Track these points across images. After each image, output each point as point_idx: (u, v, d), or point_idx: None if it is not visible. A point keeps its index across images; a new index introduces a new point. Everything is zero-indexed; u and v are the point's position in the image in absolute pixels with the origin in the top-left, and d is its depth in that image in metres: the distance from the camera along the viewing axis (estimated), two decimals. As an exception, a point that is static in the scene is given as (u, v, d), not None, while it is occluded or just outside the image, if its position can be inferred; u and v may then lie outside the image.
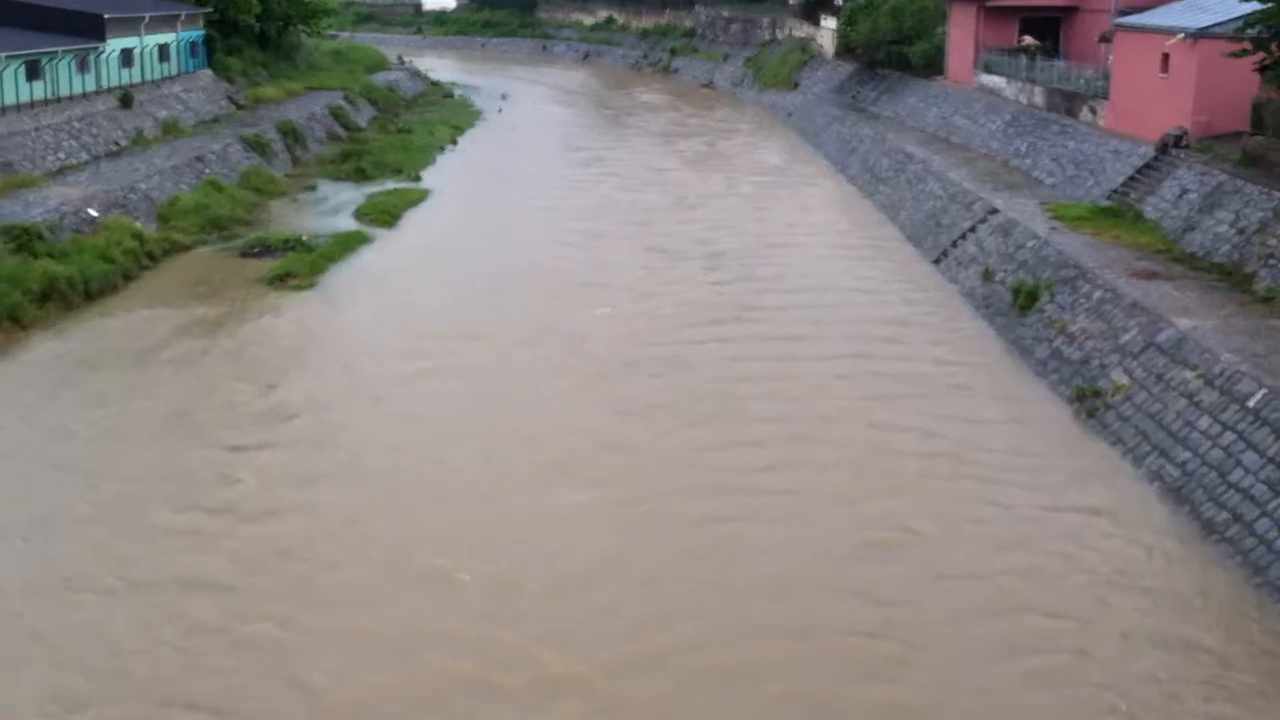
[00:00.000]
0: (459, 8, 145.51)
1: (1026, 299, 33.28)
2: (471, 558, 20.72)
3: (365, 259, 41.73)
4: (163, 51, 60.91)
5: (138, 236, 39.49)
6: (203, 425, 26.34)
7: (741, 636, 18.61)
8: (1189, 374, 25.38)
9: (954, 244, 41.13)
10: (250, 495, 23.18)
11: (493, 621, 18.84)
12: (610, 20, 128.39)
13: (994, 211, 40.52)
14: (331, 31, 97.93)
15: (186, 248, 41.41)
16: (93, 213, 39.62)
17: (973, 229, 40.69)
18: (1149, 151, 39.88)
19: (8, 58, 45.80)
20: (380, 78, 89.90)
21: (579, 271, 39.87)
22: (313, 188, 53.98)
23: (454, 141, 69.75)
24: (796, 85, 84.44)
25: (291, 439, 25.89)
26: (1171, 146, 39.02)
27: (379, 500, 23.01)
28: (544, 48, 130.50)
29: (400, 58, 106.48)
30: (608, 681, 17.42)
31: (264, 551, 21.03)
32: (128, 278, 37.23)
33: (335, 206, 50.20)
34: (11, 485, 23.38)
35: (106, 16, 54.22)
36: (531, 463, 24.71)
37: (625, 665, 17.86)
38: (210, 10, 66.52)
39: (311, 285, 37.64)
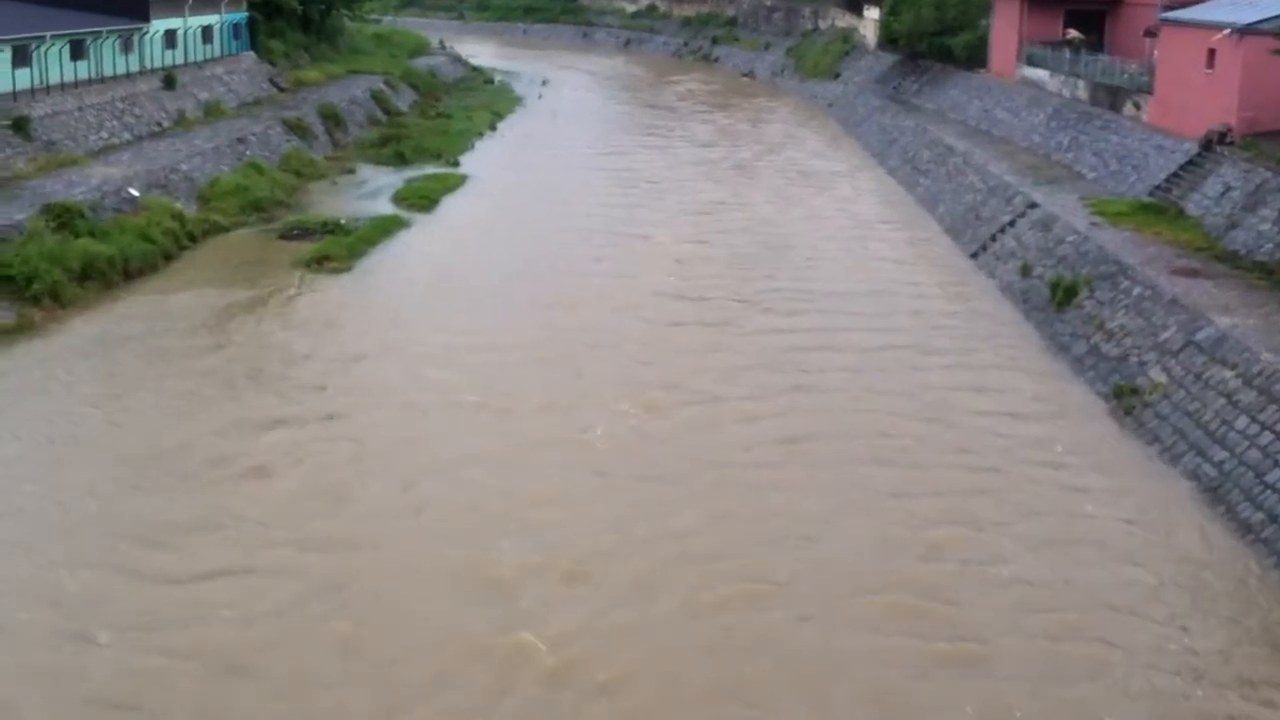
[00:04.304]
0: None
1: (1065, 295, 33.04)
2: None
3: (402, 243, 41.87)
4: (206, 33, 61.26)
5: (178, 217, 39.78)
6: (223, 412, 26.46)
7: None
8: (1228, 373, 25.14)
9: (993, 238, 40.86)
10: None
11: None
12: (652, 8, 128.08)
13: (1034, 206, 40.23)
14: (374, 15, 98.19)
15: (226, 229, 41.66)
16: (134, 192, 39.93)
17: (1012, 223, 40.42)
18: (1192, 148, 39.48)
19: (53, 37, 46.18)
20: (421, 62, 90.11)
21: (611, 265, 39.85)
22: (352, 171, 54.20)
23: (493, 127, 69.80)
24: (838, 76, 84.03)
25: (319, 430, 25.99)
26: (1215, 143, 38.62)
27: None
28: (585, 35, 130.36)
29: (441, 42, 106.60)
30: None
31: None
32: (167, 258, 37.50)
33: (374, 190, 50.40)
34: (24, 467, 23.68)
35: (151, -2, 54.62)
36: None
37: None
38: (254, -8, 66.89)
39: (349, 269, 37.79)
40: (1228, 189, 35.73)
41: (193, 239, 39.66)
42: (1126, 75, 48.46)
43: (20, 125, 42.10)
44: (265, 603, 18.88)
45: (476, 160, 58.83)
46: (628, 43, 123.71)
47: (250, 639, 17.97)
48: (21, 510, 21.66)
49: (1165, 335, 28.07)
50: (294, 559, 20.23)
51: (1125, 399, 27.29)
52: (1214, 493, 22.83)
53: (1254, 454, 22.76)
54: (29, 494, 22.25)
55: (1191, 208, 36.68)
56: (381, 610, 18.86)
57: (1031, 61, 58.15)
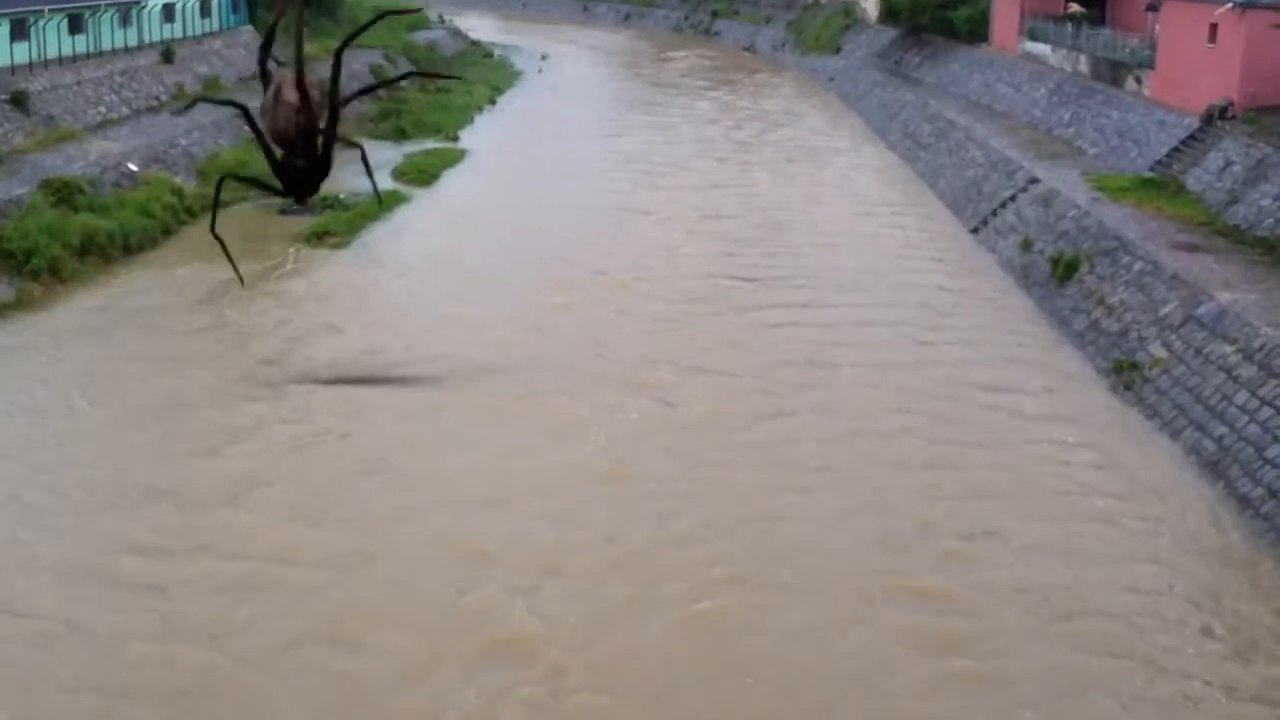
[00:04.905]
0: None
1: (1066, 270, 33.01)
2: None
3: (402, 219, 41.77)
4: (204, 7, 60.97)
5: (177, 192, 39.70)
6: (220, 387, 26.32)
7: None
8: (1228, 348, 25.14)
9: (993, 213, 40.80)
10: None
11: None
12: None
13: (1035, 181, 40.14)
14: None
15: (225, 204, 41.43)
16: (133, 168, 39.85)
17: (1013, 198, 40.35)
18: (1194, 123, 39.36)
19: (51, 11, 45.98)
20: (421, 36, 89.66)
21: (611, 241, 39.78)
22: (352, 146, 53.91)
23: (493, 101, 69.59)
24: (839, 50, 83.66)
25: (311, 405, 25.97)
26: (1217, 118, 38.49)
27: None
28: (585, 9, 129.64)
29: (441, 16, 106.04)
30: None
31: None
32: (167, 233, 37.45)
33: (373, 165, 49.72)
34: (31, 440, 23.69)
35: (149, -29, 54.37)
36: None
37: None
38: (252, -34, 66.49)
39: (348, 244, 37.73)
40: (1229, 164, 35.66)
41: (192, 214, 39.52)
42: (1128, 50, 48.25)
43: (19, 100, 41.95)
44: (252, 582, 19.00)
45: (476, 135, 58.67)
46: (628, 17, 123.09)
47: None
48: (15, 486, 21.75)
49: (1166, 310, 28.05)
50: (285, 539, 20.32)
51: (1125, 374, 27.30)
52: (1213, 467, 22.85)
53: (1254, 429, 22.78)
54: (19, 474, 22.31)
55: (1192, 183, 36.61)
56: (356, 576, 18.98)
57: (1033, 36, 57.91)
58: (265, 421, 24.57)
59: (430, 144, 54.91)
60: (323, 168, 11.17)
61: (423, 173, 48.35)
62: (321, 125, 11.02)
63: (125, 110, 48.05)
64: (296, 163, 10.45)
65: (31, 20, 44.97)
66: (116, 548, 19.67)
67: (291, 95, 10.80)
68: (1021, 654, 17.53)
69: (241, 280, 14.20)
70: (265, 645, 17.36)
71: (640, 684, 16.83)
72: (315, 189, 11.05)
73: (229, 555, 19.56)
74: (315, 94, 11.06)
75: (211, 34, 61.14)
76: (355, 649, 17.33)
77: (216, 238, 11.75)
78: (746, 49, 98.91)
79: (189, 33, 58.49)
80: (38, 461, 22.55)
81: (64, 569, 19.05)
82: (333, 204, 41.82)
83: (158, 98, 51.00)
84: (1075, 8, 56.14)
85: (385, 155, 51.98)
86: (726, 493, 22.11)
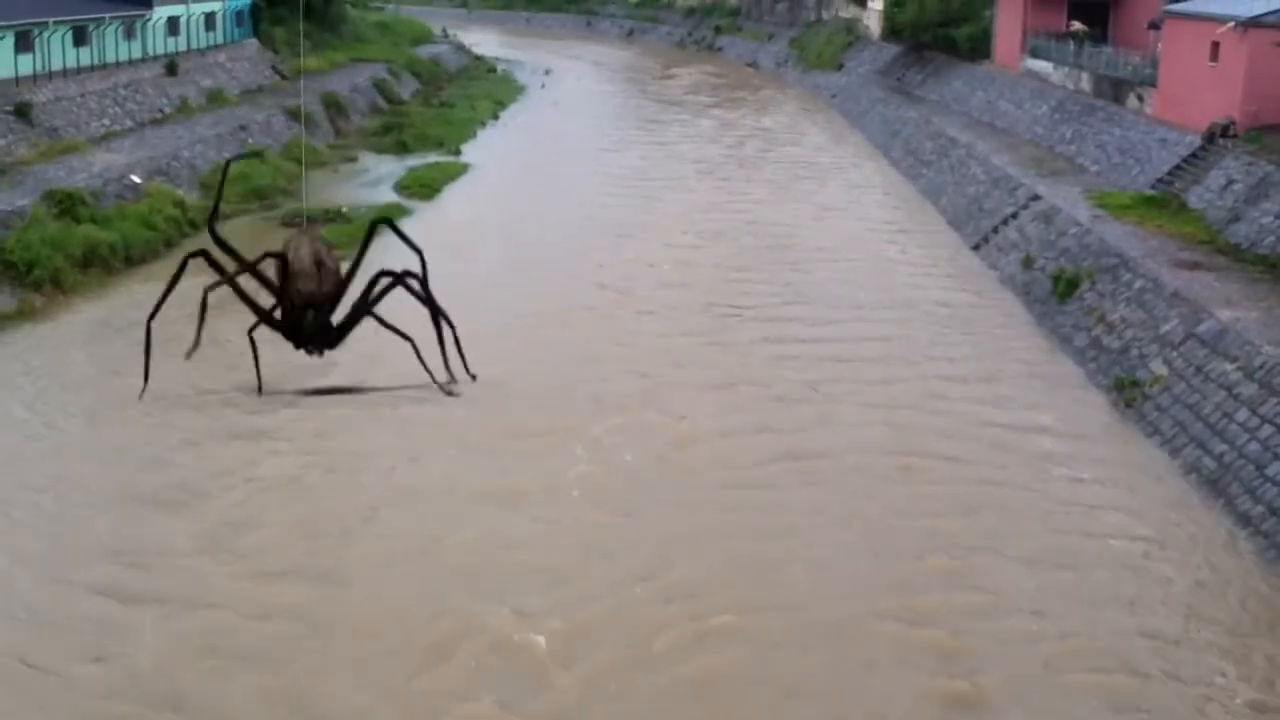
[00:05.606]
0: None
1: (1067, 287, 33.03)
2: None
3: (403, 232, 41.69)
4: (209, 20, 61.24)
5: (180, 204, 39.79)
6: (221, 398, 26.24)
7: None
8: (1229, 366, 25.13)
9: (995, 230, 40.84)
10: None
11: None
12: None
13: (1036, 198, 40.19)
14: (377, 3, 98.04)
15: (227, 216, 41.53)
16: (136, 179, 39.96)
17: (1014, 215, 40.39)
18: (1195, 141, 39.42)
19: (56, 23, 46.20)
20: (424, 51, 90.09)
21: (614, 255, 39.82)
22: (354, 159, 54.17)
23: (496, 116, 69.76)
24: (841, 67, 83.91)
25: (309, 415, 25.95)
26: (1219, 136, 38.55)
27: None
28: (588, 24, 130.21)
29: (445, 31, 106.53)
30: None
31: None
32: (169, 245, 37.47)
33: (376, 179, 50.33)
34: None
35: (154, -16, 54.59)
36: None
37: None
38: (257, -20, 66.82)
39: (346, 257, 37.58)
40: (1230, 182, 35.70)
41: (194, 226, 39.48)
42: (1130, 68, 48.37)
43: (23, 111, 42.08)
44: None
45: (479, 149, 58.80)
46: (631, 32, 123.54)
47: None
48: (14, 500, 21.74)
49: (1166, 328, 28.06)
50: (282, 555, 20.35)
51: (1126, 391, 27.29)
52: (1214, 485, 22.82)
53: (1254, 447, 22.75)
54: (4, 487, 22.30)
55: (1194, 201, 36.65)
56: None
57: (1035, 53, 58.07)
58: (258, 433, 24.50)
59: (433, 158, 55.05)
60: (342, 331, 11.05)
61: (425, 186, 48.45)
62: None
63: (129, 122, 48.21)
64: (313, 318, 10.39)
65: (36, 32, 45.15)
66: (103, 557, 19.63)
67: (334, 263, 10.92)
68: (1022, 675, 17.44)
69: (260, 389, 13.24)
70: (236, 666, 17.11)
71: (630, 710, 16.72)
72: (333, 345, 10.92)
73: (213, 569, 19.50)
74: (331, 262, 11.09)
75: (215, 47, 61.42)
76: (328, 671, 17.19)
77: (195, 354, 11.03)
78: (749, 65, 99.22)
79: (193, 45, 58.77)
80: (28, 473, 22.53)
81: (41, 582, 19.01)
82: (334, 217, 41.92)
83: (161, 110, 51.17)
84: (1077, 25, 56.34)
85: (388, 169, 52.19)
86: (715, 512, 21.93)
